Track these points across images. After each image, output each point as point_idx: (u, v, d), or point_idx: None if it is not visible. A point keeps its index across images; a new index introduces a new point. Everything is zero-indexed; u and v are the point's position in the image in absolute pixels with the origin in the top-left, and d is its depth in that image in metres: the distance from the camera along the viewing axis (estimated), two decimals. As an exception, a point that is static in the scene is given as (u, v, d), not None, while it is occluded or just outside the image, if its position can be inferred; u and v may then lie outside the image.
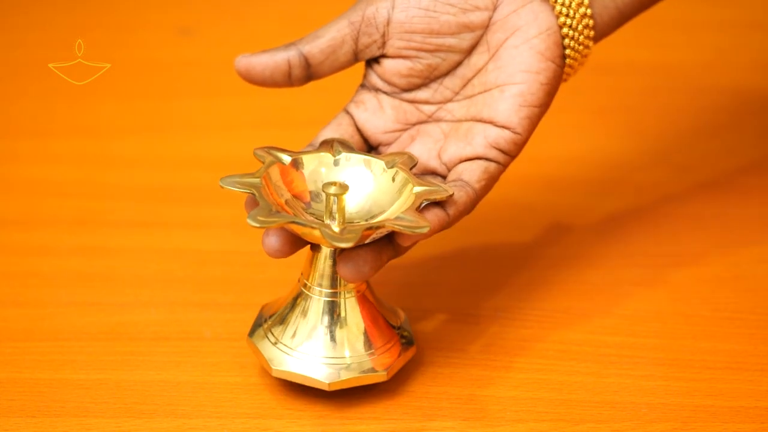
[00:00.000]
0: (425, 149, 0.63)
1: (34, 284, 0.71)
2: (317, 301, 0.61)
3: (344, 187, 0.59)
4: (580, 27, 0.63)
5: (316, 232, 0.56)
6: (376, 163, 0.61)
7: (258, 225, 0.55)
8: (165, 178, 0.83)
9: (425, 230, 0.56)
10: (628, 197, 0.80)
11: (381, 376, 0.61)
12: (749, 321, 0.68)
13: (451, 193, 0.59)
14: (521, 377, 0.64)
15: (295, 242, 0.59)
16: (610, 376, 0.64)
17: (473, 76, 0.63)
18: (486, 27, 0.63)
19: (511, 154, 0.62)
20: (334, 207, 0.59)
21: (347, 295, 0.61)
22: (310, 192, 0.61)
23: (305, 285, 0.62)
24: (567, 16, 0.62)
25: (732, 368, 0.64)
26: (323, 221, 0.60)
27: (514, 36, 0.62)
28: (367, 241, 0.58)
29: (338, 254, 0.60)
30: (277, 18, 1.07)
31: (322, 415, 0.61)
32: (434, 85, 0.64)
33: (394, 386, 0.63)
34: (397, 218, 0.57)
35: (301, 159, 0.61)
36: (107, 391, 0.62)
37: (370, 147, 0.65)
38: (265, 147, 0.62)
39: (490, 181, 0.62)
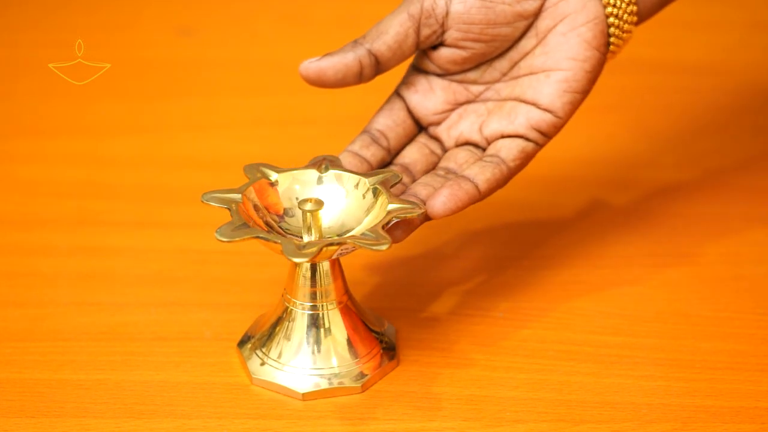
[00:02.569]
0: (468, 123, 0.65)
1: (34, 284, 0.71)
2: (301, 315, 0.62)
3: (319, 203, 0.60)
4: (625, 16, 0.65)
5: (279, 247, 0.58)
6: (349, 179, 0.63)
7: (225, 239, 0.57)
8: (165, 178, 0.83)
9: (384, 248, 0.57)
10: (628, 197, 0.80)
11: (356, 389, 0.62)
12: (749, 321, 0.68)
13: (423, 210, 0.60)
14: (521, 377, 0.63)
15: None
16: (610, 376, 0.63)
17: (520, 59, 0.65)
18: (537, 15, 0.64)
19: (549, 135, 0.65)
20: (311, 222, 0.61)
21: (329, 307, 0.62)
22: (287, 208, 0.63)
23: (288, 300, 0.63)
24: (614, 6, 0.64)
25: (732, 368, 0.64)
26: (301, 236, 0.61)
27: (562, 23, 0.64)
28: (333, 256, 0.60)
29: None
30: (277, 18, 1.07)
31: (321, 416, 0.61)
32: (483, 66, 0.66)
33: (394, 387, 0.63)
34: (362, 234, 0.58)
35: (279, 177, 0.63)
36: (107, 391, 0.62)
37: (420, 127, 0.67)
38: (254, 164, 0.63)
39: (525, 160, 0.64)
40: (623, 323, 0.68)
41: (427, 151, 0.66)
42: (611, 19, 0.64)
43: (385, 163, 0.65)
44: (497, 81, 0.66)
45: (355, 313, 0.64)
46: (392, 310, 0.69)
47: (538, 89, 0.64)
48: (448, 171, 0.65)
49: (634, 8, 0.65)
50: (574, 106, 0.65)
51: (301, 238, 0.62)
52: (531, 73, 0.65)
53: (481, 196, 0.62)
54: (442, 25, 0.64)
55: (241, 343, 0.65)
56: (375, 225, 0.59)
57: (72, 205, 0.79)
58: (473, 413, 0.61)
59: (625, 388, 0.63)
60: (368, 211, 0.62)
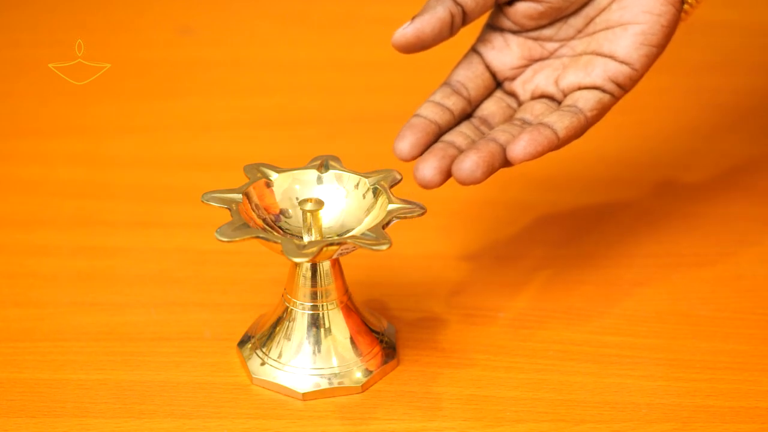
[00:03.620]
0: (543, 77, 0.66)
1: (34, 284, 0.71)
2: (301, 315, 0.62)
3: (320, 203, 0.61)
4: None
5: (279, 247, 0.58)
6: (349, 179, 0.63)
7: (226, 239, 0.58)
8: (165, 178, 0.83)
9: (384, 248, 0.57)
10: (629, 197, 0.80)
11: (356, 389, 0.62)
12: (749, 321, 0.68)
13: (424, 211, 0.60)
14: (521, 377, 0.63)
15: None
16: (610, 376, 0.63)
17: (596, 15, 0.66)
18: None
19: (626, 88, 0.65)
20: (311, 222, 0.61)
21: (329, 307, 0.62)
22: (287, 209, 0.63)
23: (289, 300, 0.63)
24: None
25: (732, 368, 0.64)
26: (301, 236, 0.62)
27: None
28: (333, 256, 0.59)
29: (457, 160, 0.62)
30: (277, 18, 1.07)
31: (322, 416, 0.61)
32: (559, 23, 0.66)
33: (394, 387, 0.63)
34: (362, 234, 0.59)
35: (279, 177, 0.63)
36: (107, 391, 0.62)
37: (497, 83, 0.67)
38: (254, 164, 0.64)
39: (602, 111, 0.65)
40: (623, 323, 0.68)
41: (504, 105, 0.67)
42: None
43: (466, 114, 0.65)
44: (572, 38, 0.66)
45: (355, 312, 0.64)
46: (392, 310, 0.69)
47: (614, 42, 0.64)
48: (524, 122, 0.65)
49: None
50: (651, 60, 0.65)
51: (302, 238, 0.62)
52: (607, 28, 0.65)
53: (559, 143, 0.63)
54: None
55: (242, 343, 0.65)
56: (375, 225, 0.59)
57: (72, 205, 0.79)
58: (473, 413, 0.61)
59: (625, 388, 0.63)
60: (368, 211, 0.62)
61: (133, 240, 0.75)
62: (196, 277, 0.72)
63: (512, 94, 0.67)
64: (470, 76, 0.66)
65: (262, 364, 0.63)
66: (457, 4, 0.63)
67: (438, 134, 0.64)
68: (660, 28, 0.64)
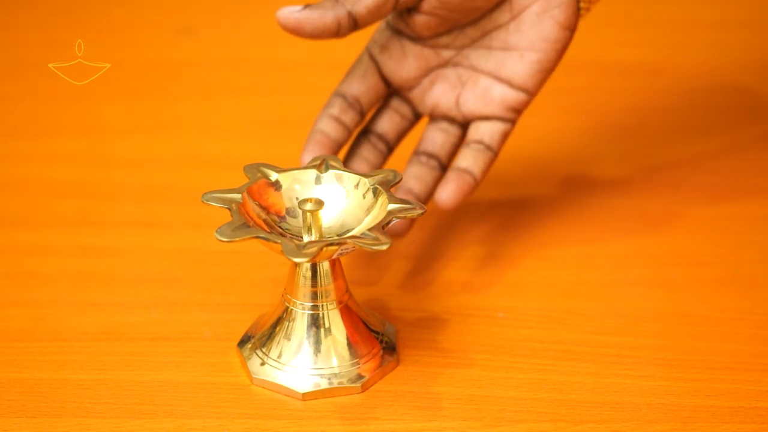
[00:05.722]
0: (443, 94, 0.69)
1: (34, 284, 0.71)
2: (301, 315, 0.62)
3: (319, 203, 0.61)
4: None
5: (279, 247, 0.58)
6: (349, 179, 0.63)
7: (225, 239, 0.58)
8: (165, 178, 0.83)
9: (384, 248, 0.58)
10: (629, 197, 0.80)
11: (356, 389, 0.62)
12: (749, 321, 0.68)
13: (424, 210, 0.60)
14: (521, 377, 0.63)
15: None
16: (610, 376, 0.63)
17: (493, 30, 0.68)
18: None
19: (521, 113, 0.69)
20: (311, 222, 0.61)
21: (329, 307, 0.62)
22: (287, 208, 0.63)
23: (289, 300, 0.63)
24: None
25: (732, 368, 0.64)
26: (301, 236, 0.62)
27: (536, 3, 0.66)
28: (333, 256, 0.60)
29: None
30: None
31: (322, 416, 0.61)
32: (455, 32, 0.68)
33: (394, 387, 0.63)
34: (362, 234, 0.59)
35: (279, 177, 0.63)
36: (107, 391, 0.62)
37: (392, 91, 0.70)
38: (254, 164, 0.64)
39: (504, 142, 0.69)
40: (623, 323, 0.68)
41: (397, 119, 0.70)
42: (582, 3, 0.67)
43: (361, 128, 0.70)
44: (467, 47, 0.68)
45: (355, 313, 0.64)
46: (392, 310, 0.69)
47: (511, 68, 0.67)
48: (430, 156, 0.69)
49: None
50: (543, 83, 0.68)
51: (301, 238, 0.62)
52: (504, 49, 0.67)
53: (478, 184, 0.68)
54: None
55: (241, 343, 0.65)
56: (375, 225, 0.59)
57: (72, 205, 0.79)
58: (473, 413, 0.61)
59: (625, 388, 0.63)
60: (368, 211, 0.62)
61: (133, 240, 0.75)
62: (196, 277, 0.72)
63: (408, 102, 0.70)
64: (364, 90, 0.69)
65: (262, 364, 0.63)
66: (351, 15, 0.64)
67: (336, 150, 0.68)
68: (554, 54, 0.67)
